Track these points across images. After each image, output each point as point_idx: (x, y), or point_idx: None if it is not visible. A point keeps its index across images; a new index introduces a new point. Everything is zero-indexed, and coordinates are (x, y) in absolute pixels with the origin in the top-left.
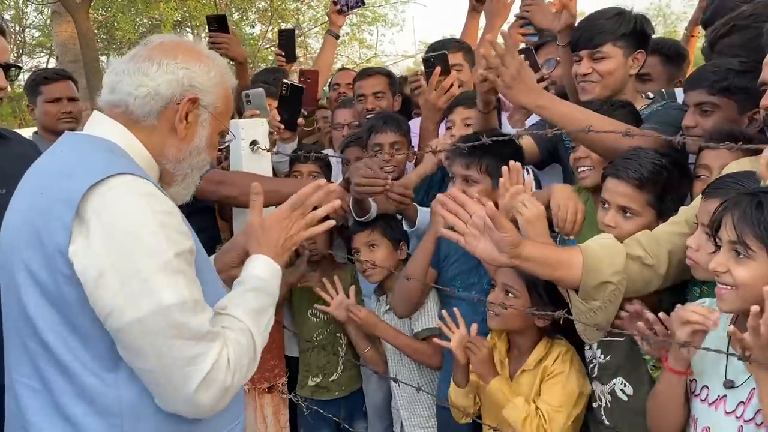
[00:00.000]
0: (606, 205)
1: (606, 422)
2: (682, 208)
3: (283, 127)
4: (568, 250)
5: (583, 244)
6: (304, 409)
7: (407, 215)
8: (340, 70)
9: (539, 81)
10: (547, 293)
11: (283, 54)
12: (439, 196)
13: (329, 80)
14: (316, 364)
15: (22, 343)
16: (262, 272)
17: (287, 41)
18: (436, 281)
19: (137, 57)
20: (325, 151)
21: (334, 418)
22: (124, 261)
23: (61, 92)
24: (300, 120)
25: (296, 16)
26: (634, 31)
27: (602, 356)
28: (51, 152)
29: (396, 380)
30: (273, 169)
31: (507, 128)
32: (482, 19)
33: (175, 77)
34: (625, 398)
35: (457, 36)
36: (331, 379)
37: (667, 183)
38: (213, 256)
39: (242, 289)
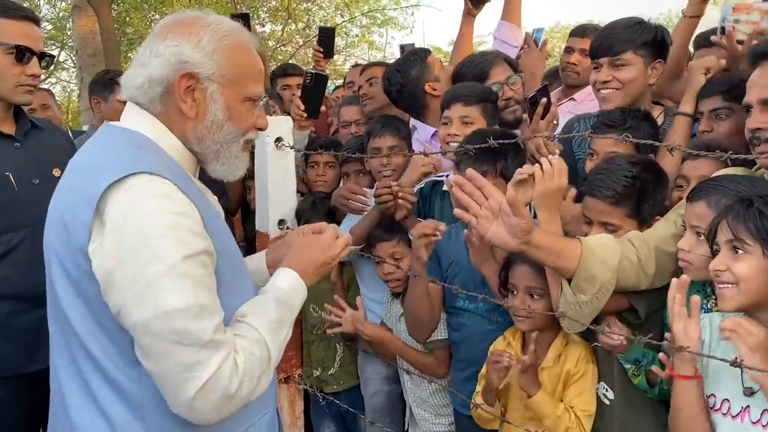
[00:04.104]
0: (589, 222)
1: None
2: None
3: (305, 115)
4: (569, 241)
5: (584, 238)
6: (320, 399)
7: (406, 224)
8: (353, 66)
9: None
10: None
11: (322, 50)
12: (455, 177)
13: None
14: (315, 357)
15: (60, 330)
16: (287, 285)
17: (327, 38)
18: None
19: (142, 47)
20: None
21: (346, 407)
22: (131, 263)
23: None
24: (322, 108)
25: (307, 17)
26: (654, 41)
27: None
28: (86, 145)
29: (410, 372)
30: None
31: None
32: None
33: (164, 58)
34: (608, 402)
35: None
36: (329, 373)
37: (642, 192)
38: (265, 251)
39: (264, 299)
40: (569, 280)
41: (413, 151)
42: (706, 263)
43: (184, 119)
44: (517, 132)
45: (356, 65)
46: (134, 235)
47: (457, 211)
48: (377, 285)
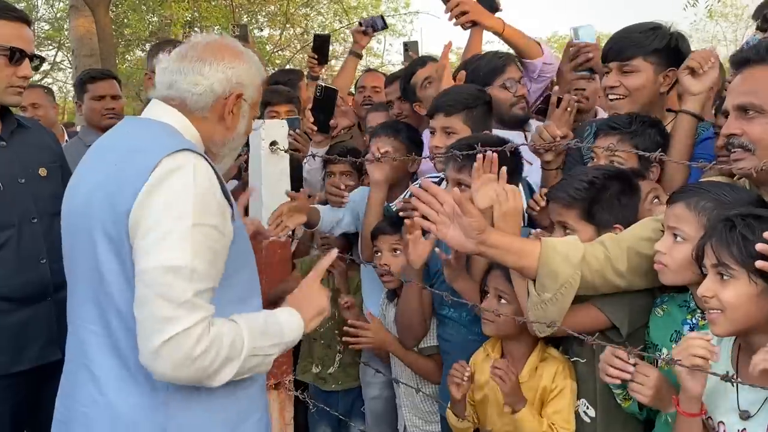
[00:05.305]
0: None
1: None
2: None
3: (316, 129)
4: (530, 241)
5: (545, 238)
6: (311, 407)
7: None
8: (366, 71)
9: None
10: None
11: (316, 57)
12: (413, 188)
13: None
14: (317, 354)
15: (92, 293)
16: (285, 320)
17: (321, 45)
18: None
19: (188, 57)
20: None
21: (338, 414)
22: (154, 216)
23: (105, 90)
24: (333, 122)
25: (305, 22)
26: (668, 48)
27: None
28: (115, 133)
29: (396, 381)
30: (305, 179)
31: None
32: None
33: (226, 76)
34: (588, 420)
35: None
36: (328, 371)
37: (597, 196)
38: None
39: (258, 313)
40: (535, 282)
41: (414, 155)
42: (682, 266)
43: (220, 125)
44: (518, 134)
45: (369, 70)
46: (163, 196)
47: (417, 219)
48: (376, 288)
